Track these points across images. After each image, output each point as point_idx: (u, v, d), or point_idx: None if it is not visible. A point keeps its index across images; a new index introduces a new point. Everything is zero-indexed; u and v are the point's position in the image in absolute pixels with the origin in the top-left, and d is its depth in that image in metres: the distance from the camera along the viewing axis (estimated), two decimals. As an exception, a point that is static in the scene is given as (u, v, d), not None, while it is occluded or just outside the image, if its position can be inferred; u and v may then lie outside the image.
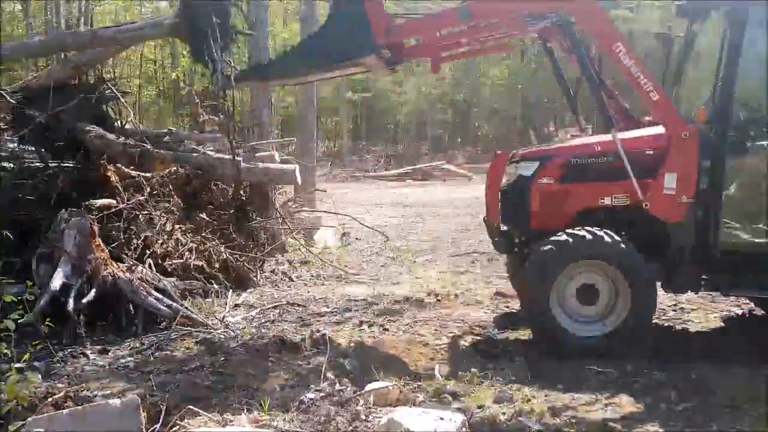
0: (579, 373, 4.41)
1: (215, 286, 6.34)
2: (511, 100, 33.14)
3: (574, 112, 6.11)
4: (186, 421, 3.36)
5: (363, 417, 3.47)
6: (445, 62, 5.64)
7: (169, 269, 6.00)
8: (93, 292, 5.04)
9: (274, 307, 6.14)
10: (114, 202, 6.08)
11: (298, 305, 6.30)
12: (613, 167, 4.81)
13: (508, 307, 6.25)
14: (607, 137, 4.92)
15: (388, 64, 5.25)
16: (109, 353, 4.75)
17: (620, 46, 4.72)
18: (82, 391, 3.73)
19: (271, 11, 14.89)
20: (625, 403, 3.91)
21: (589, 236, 4.59)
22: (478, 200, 16.34)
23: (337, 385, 3.88)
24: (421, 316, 5.85)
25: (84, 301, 4.93)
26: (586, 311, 4.74)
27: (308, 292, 6.93)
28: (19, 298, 4.20)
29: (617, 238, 4.60)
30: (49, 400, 3.44)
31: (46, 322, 4.34)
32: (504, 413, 3.68)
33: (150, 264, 5.71)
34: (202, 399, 3.69)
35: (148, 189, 6.44)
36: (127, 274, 5.27)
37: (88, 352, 4.73)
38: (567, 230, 4.68)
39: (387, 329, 5.46)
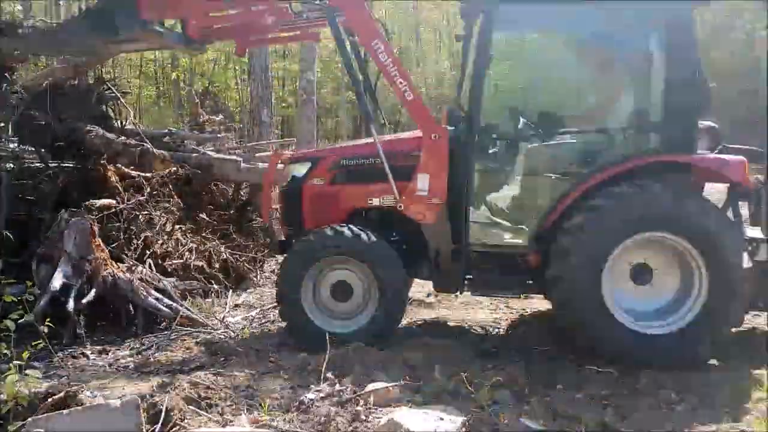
0: (579, 373, 4.41)
1: (215, 286, 6.35)
2: (510, 100, 33.15)
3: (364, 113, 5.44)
4: (186, 421, 3.35)
5: (363, 417, 3.47)
6: (252, 46, 5.66)
7: (170, 269, 6.01)
8: (93, 292, 5.05)
9: (274, 307, 6.14)
10: (113, 202, 6.08)
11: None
12: (379, 169, 4.84)
13: (508, 307, 6.25)
14: (378, 138, 4.95)
15: (188, 44, 5.25)
16: (109, 353, 4.76)
17: (378, 43, 4.75)
18: (82, 391, 3.72)
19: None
20: (625, 403, 3.91)
21: (330, 233, 4.68)
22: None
23: (337, 385, 3.88)
24: (421, 316, 5.85)
25: (84, 301, 4.93)
26: (341, 308, 4.83)
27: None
28: (19, 298, 4.20)
29: (363, 234, 4.66)
30: (49, 400, 3.43)
31: (46, 323, 4.33)
32: (504, 413, 3.67)
33: (150, 264, 5.71)
34: (202, 399, 3.69)
35: (148, 189, 6.45)
36: (127, 275, 5.28)
37: (88, 352, 4.74)
38: (316, 229, 4.78)
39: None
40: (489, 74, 4.72)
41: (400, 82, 4.74)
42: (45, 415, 3.22)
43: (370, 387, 3.81)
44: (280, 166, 5.46)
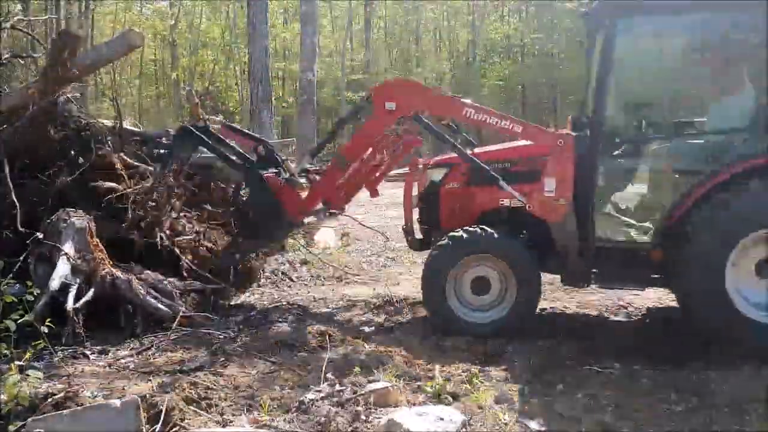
0: (579, 374, 4.42)
1: (215, 285, 6.32)
2: (511, 101, 33.17)
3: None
4: (186, 421, 3.35)
5: (363, 417, 3.47)
6: (379, 183, 6.32)
7: (181, 248, 5.99)
8: (91, 292, 5.04)
9: (274, 307, 6.14)
10: (120, 186, 6.08)
11: (298, 305, 6.30)
12: (509, 172, 5.35)
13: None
14: (504, 145, 5.63)
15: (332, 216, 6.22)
16: (109, 353, 4.75)
17: (468, 110, 5.35)
18: (82, 391, 3.72)
19: (271, 11, 14.88)
20: (625, 403, 3.91)
21: (478, 232, 5.12)
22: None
23: (337, 385, 3.88)
24: (421, 317, 5.85)
25: (82, 301, 4.92)
26: (480, 301, 5.29)
27: (308, 292, 6.94)
28: (20, 298, 4.20)
29: (501, 234, 5.14)
30: (49, 400, 3.43)
31: (46, 323, 4.33)
32: (504, 414, 3.68)
33: (162, 237, 5.74)
34: (202, 399, 3.69)
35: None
36: (126, 275, 5.27)
37: (88, 352, 4.73)
38: (462, 228, 5.21)
39: (387, 330, 5.46)
40: (612, 79, 5.01)
41: (504, 124, 5.28)
42: (45, 415, 3.22)
43: (370, 387, 3.81)
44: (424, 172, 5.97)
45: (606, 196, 5.38)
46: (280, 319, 5.72)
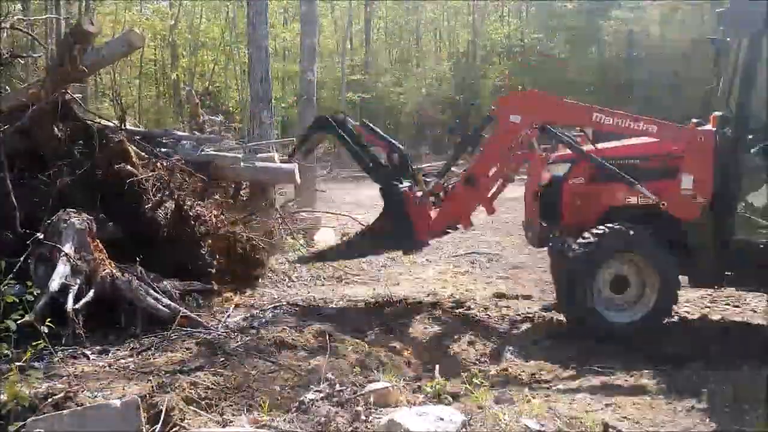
0: (579, 373, 4.42)
1: (215, 286, 6.32)
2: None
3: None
4: (186, 421, 3.35)
5: (363, 417, 3.47)
6: (494, 200, 6.04)
7: (202, 231, 6.04)
8: (92, 292, 5.04)
9: (274, 308, 6.14)
10: (137, 171, 6.11)
11: (298, 305, 6.30)
12: (638, 169, 5.24)
13: (508, 307, 6.26)
14: (632, 141, 5.37)
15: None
16: (109, 353, 4.75)
17: (597, 115, 5.29)
18: (82, 391, 3.72)
19: (271, 11, 14.88)
20: (625, 403, 3.91)
21: (624, 230, 5.00)
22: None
23: (337, 385, 3.88)
24: (421, 317, 5.85)
25: (82, 302, 4.91)
26: (618, 299, 5.15)
27: (308, 292, 6.93)
28: (20, 298, 4.20)
29: (647, 233, 5.01)
30: (49, 400, 3.43)
31: (46, 323, 4.33)
32: (504, 414, 3.68)
33: (186, 215, 5.84)
34: (202, 399, 3.69)
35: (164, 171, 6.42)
36: (126, 275, 5.26)
37: (88, 352, 4.73)
38: (606, 224, 5.07)
39: (387, 330, 5.47)
40: (759, 78, 4.94)
41: (638, 125, 5.25)
42: (45, 415, 3.22)
43: (370, 387, 3.81)
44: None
45: (747, 195, 5.18)
46: (280, 319, 5.72)
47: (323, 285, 7.31)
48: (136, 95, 30.47)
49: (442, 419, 3.34)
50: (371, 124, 6.58)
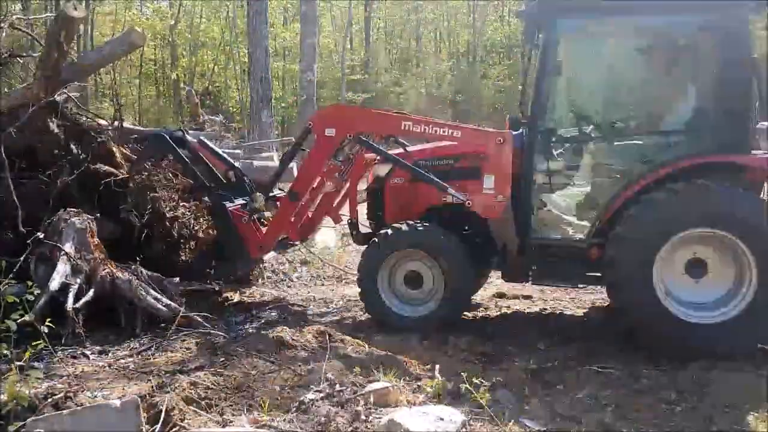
0: (579, 373, 4.42)
1: (215, 287, 6.33)
2: (511, 100, 33.14)
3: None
4: (186, 421, 3.35)
5: (363, 417, 3.47)
6: (340, 209, 6.27)
7: (179, 233, 6.01)
8: (92, 292, 5.04)
9: (274, 308, 6.14)
10: (118, 172, 6.10)
11: (298, 305, 6.30)
12: (452, 169, 5.44)
13: (508, 308, 6.26)
14: (448, 142, 5.53)
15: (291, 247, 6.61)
16: (109, 353, 4.75)
17: (406, 123, 5.46)
18: (82, 391, 3.72)
19: (270, 11, 14.88)
20: (625, 403, 3.91)
21: (406, 228, 5.23)
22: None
23: (337, 385, 3.88)
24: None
25: (82, 301, 4.91)
26: (414, 294, 5.40)
27: (308, 292, 6.93)
28: (20, 298, 4.19)
29: (433, 229, 5.23)
30: (49, 400, 3.43)
31: (46, 323, 4.33)
32: (504, 414, 3.68)
33: (162, 216, 5.81)
34: (202, 399, 3.69)
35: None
36: (126, 274, 5.25)
37: (88, 352, 4.73)
38: (392, 224, 5.33)
39: (387, 330, 5.46)
40: (551, 80, 5.06)
41: (444, 131, 5.40)
42: (45, 415, 3.22)
43: (370, 387, 3.81)
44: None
45: (545, 194, 5.40)
46: (280, 319, 5.72)
47: (323, 285, 7.32)
48: (136, 95, 30.48)
49: (442, 419, 3.34)
50: (208, 142, 6.72)
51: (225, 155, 6.63)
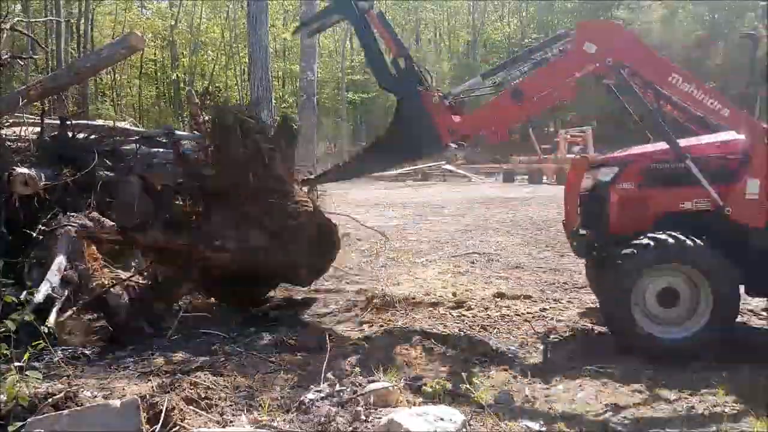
0: (579, 374, 4.41)
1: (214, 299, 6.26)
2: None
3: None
4: (186, 421, 3.35)
5: (363, 417, 3.47)
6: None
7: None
8: (78, 304, 4.99)
9: (274, 307, 6.14)
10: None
11: (299, 305, 6.30)
12: (692, 172, 4.81)
13: (508, 307, 6.26)
14: (688, 142, 4.99)
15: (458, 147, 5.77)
16: (109, 353, 4.75)
17: (676, 76, 4.80)
18: (82, 391, 3.72)
19: (271, 11, 14.89)
20: (625, 403, 3.91)
21: (671, 240, 4.59)
22: (477, 200, 16.37)
23: (337, 385, 3.88)
24: (421, 317, 5.85)
25: (65, 316, 4.83)
26: (667, 314, 4.74)
27: (309, 291, 6.93)
28: (20, 299, 4.19)
29: (700, 242, 4.58)
30: (49, 400, 3.42)
31: (46, 323, 4.32)
32: (504, 414, 3.68)
33: None
34: (202, 399, 3.69)
35: None
36: (118, 290, 5.16)
37: (88, 352, 4.73)
38: (649, 234, 4.67)
39: (387, 330, 5.47)
40: None
41: (711, 103, 4.78)
42: (45, 415, 3.22)
43: (370, 387, 3.81)
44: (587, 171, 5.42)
45: None
46: (280, 319, 5.72)
47: (324, 284, 7.31)
48: (137, 95, 30.47)
49: (442, 419, 3.33)
50: (385, 16, 5.89)
51: (397, 36, 5.69)
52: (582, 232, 5.34)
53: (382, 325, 5.61)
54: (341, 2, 5.47)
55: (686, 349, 4.62)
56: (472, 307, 6.19)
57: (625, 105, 5.47)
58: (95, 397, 3.72)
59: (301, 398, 3.69)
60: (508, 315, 6.04)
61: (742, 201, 4.66)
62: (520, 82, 5.28)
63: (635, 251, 4.65)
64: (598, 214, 5.20)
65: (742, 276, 4.73)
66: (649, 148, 5.36)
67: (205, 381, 3.90)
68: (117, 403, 3.22)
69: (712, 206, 4.77)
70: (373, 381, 3.97)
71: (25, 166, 5.76)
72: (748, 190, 4.63)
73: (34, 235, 5.21)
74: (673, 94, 4.99)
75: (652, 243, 4.62)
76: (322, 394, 3.75)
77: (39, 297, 4.71)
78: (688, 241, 4.58)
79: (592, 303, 6.40)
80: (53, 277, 4.90)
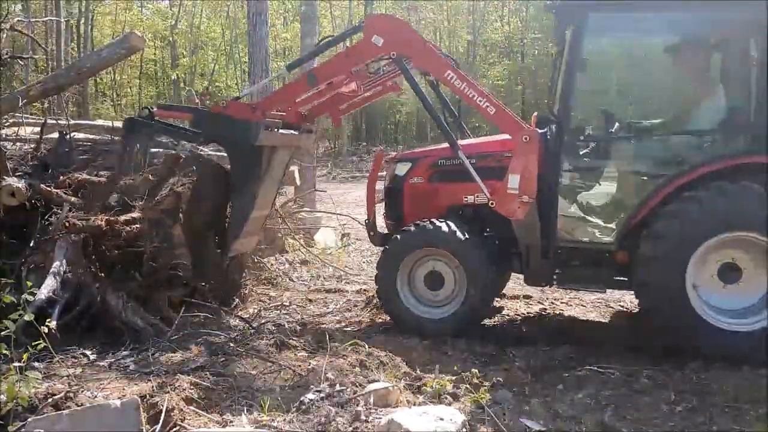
0: (579, 374, 4.42)
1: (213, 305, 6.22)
2: (510, 100, 33.16)
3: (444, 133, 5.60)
4: (186, 421, 3.35)
5: (363, 417, 3.46)
6: (345, 114, 6.24)
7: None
8: (78, 307, 4.97)
9: (274, 308, 6.14)
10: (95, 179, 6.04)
11: (299, 305, 6.30)
12: (476, 168, 5.14)
13: (508, 308, 6.25)
14: (476, 140, 5.48)
15: (305, 131, 5.90)
16: (109, 353, 4.75)
17: (450, 73, 5.14)
18: (82, 391, 3.72)
19: (271, 11, 14.90)
20: (625, 403, 3.91)
21: (430, 226, 5.13)
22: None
23: (337, 385, 3.88)
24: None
25: (63, 320, 4.80)
26: (435, 296, 5.29)
27: (308, 291, 6.93)
28: (19, 299, 4.18)
29: (454, 228, 5.09)
30: (49, 400, 3.43)
31: (46, 323, 4.31)
32: (504, 414, 3.68)
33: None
34: (202, 399, 3.69)
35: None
36: (116, 294, 5.14)
37: (88, 352, 4.73)
38: (415, 222, 5.24)
39: (387, 330, 5.47)
40: (580, 78, 4.92)
41: (479, 101, 5.07)
42: (45, 415, 3.22)
43: (370, 387, 3.81)
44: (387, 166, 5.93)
45: (570, 195, 5.21)
46: (280, 320, 5.72)
47: (323, 285, 7.31)
48: (137, 95, 30.49)
49: (442, 419, 3.34)
50: (165, 104, 6.21)
51: (183, 105, 6.25)
52: (378, 223, 5.90)
53: (382, 326, 5.61)
54: (127, 129, 5.50)
55: (445, 329, 5.12)
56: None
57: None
58: (95, 397, 3.72)
59: (301, 398, 3.69)
60: (508, 315, 6.05)
61: (504, 195, 4.96)
62: (315, 67, 5.78)
63: (398, 236, 5.28)
64: (395, 206, 5.71)
65: (517, 267, 5.34)
66: (441, 145, 5.69)
67: (205, 381, 3.90)
68: (117, 403, 3.22)
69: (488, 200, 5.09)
70: (373, 381, 3.97)
71: (16, 176, 5.73)
72: (509, 185, 4.93)
73: (31, 244, 5.18)
74: (451, 90, 5.31)
75: (413, 229, 5.20)
76: (322, 394, 3.74)
77: (41, 296, 4.72)
78: (444, 227, 5.09)
79: (592, 303, 6.40)
80: (52, 279, 4.89)
